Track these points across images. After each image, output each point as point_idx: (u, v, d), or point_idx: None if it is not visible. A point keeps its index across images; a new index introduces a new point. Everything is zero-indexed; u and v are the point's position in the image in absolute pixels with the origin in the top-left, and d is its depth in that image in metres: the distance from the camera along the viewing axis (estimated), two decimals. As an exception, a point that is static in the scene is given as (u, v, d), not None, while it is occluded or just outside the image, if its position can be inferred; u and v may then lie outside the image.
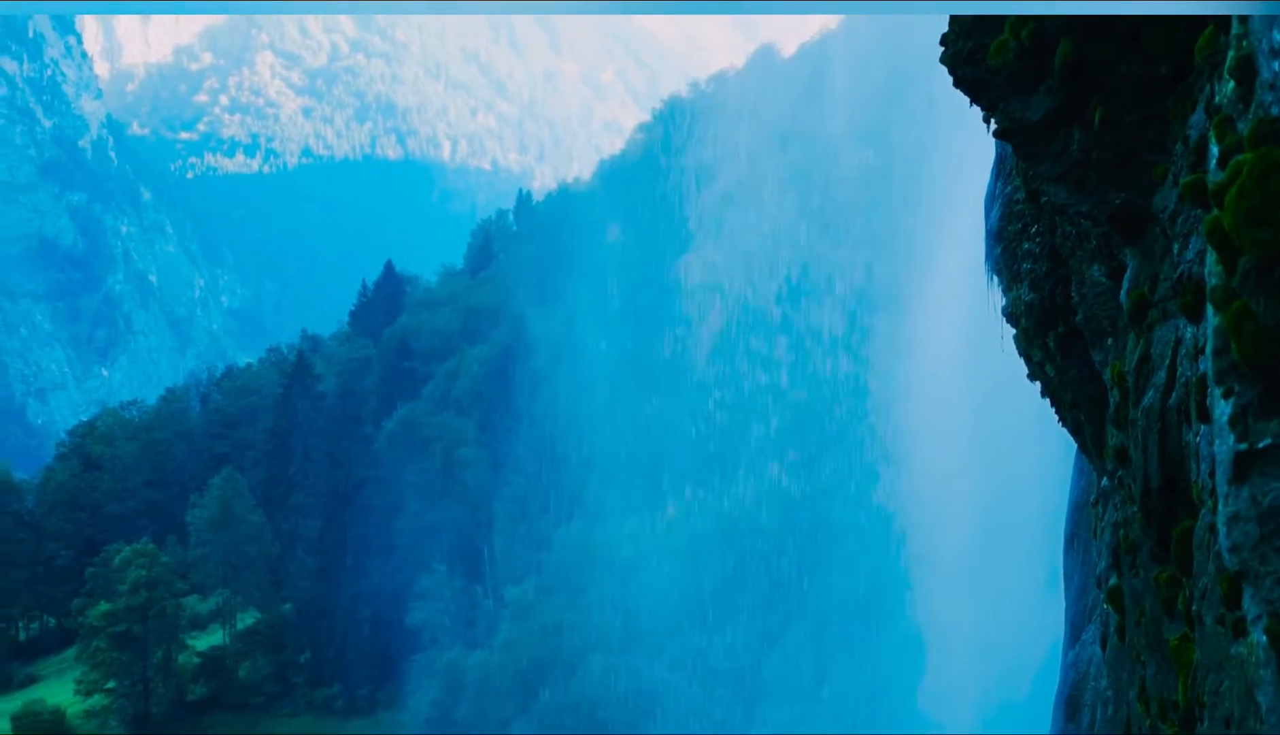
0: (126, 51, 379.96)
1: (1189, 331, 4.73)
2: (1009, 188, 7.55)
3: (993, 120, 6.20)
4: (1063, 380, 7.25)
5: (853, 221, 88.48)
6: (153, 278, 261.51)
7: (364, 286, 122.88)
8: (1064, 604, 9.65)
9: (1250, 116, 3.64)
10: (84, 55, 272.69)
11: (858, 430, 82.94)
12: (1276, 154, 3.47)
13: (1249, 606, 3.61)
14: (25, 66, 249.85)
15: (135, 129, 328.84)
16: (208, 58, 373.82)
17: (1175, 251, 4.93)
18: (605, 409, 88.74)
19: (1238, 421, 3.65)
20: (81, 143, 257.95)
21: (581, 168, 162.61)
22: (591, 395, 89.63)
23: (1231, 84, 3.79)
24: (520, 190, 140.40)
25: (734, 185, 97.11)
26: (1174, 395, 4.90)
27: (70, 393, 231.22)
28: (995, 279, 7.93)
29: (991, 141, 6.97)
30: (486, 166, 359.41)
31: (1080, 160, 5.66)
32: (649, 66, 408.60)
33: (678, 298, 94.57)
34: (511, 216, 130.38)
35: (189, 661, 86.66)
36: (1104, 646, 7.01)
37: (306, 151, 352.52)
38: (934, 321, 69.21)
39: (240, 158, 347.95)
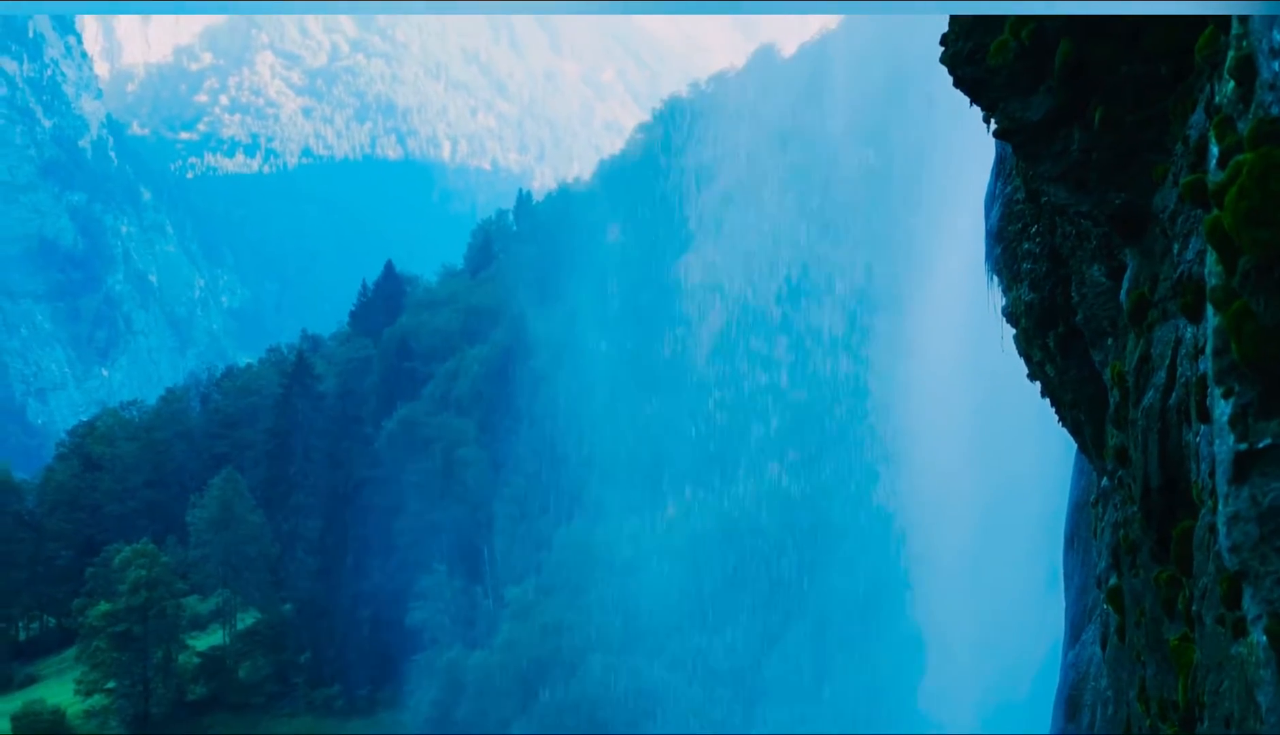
0: (126, 51, 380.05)
1: (1189, 331, 4.73)
2: (1009, 188, 7.55)
3: (993, 120, 6.20)
4: (1063, 380, 7.25)
5: (853, 221, 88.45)
6: (153, 278, 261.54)
7: (364, 286, 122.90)
8: (1064, 604, 9.64)
9: (1250, 116, 3.64)
10: (84, 55, 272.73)
11: (858, 430, 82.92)
12: (1276, 154, 3.47)
13: (1249, 606, 3.61)
14: (25, 66, 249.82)
15: (135, 129, 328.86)
16: (208, 58, 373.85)
17: (1175, 251, 4.93)
18: (605, 409, 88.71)
19: (1238, 421, 3.66)
20: (81, 143, 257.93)
21: (581, 168, 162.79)
22: (591, 395, 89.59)
23: (1231, 84, 3.80)
24: (520, 190, 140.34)
25: (734, 185, 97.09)
26: (1174, 395, 4.90)
27: (70, 393, 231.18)
28: (995, 279, 7.92)
29: (991, 141, 6.97)
30: (486, 166, 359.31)
31: (1080, 160, 5.66)
32: (649, 66, 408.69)
33: (678, 298, 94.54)
34: (511, 216, 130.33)
35: (189, 662, 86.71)
36: (1104, 646, 7.01)
37: (306, 151, 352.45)
38: (934, 321, 69.16)
39: (240, 158, 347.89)
